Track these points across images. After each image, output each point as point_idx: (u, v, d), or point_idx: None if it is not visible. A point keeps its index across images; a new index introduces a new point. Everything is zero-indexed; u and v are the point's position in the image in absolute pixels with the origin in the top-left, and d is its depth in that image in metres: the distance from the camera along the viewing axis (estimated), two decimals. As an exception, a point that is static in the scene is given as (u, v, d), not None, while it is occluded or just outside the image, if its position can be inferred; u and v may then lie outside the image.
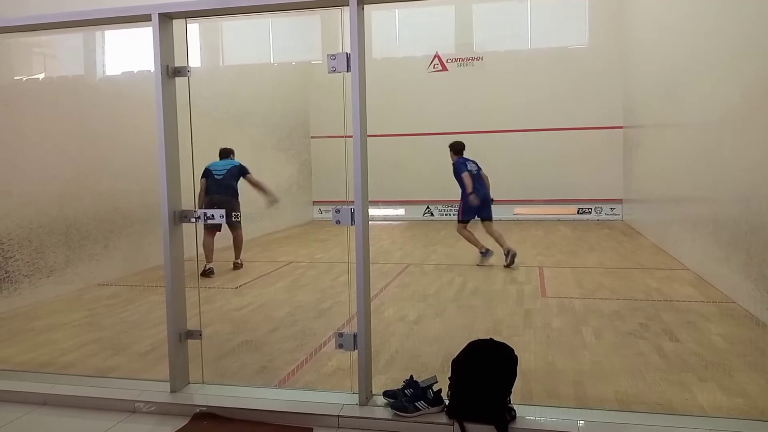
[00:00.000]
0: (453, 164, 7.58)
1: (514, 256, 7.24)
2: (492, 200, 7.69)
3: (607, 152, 12.10)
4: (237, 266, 7.38)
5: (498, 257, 7.36)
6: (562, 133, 12.33)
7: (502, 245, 7.37)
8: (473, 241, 7.57)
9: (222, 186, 7.09)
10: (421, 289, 6.16)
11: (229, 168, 7.21)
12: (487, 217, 7.51)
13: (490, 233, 7.48)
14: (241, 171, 7.26)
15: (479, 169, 7.66)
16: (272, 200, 7.43)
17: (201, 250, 6.91)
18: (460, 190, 7.52)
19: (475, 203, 7.37)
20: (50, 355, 4.20)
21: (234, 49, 10.41)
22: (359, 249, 3.00)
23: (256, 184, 7.31)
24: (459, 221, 7.62)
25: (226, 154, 7.48)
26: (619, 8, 11.76)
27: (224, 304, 5.65)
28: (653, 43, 9.10)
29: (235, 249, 7.42)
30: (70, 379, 3.58)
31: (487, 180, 7.72)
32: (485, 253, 7.45)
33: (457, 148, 7.66)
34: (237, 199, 7.26)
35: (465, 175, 7.39)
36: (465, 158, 7.63)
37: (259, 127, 10.85)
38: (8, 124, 5.68)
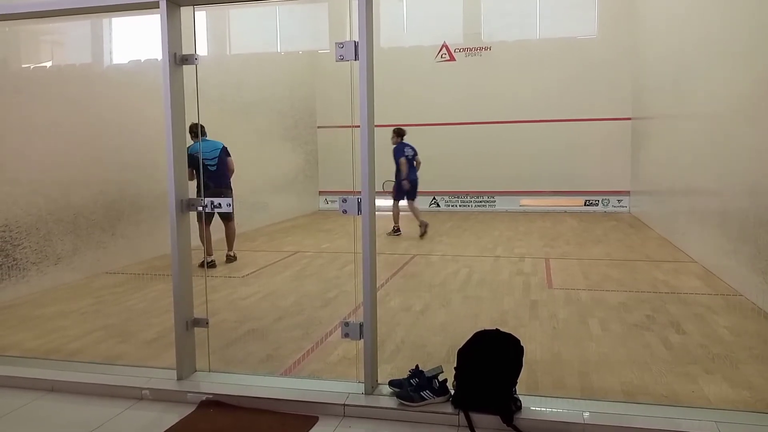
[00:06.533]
0: (393, 148, 8.77)
1: (425, 226, 8.83)
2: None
3: (615, 144, 12.01)
4: (230, 259, 7.08)
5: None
6: (569, 124, 12.25)
7: (418, 218, 8.88)
8: (396, 218, 9.00)
9: (218, 177, 6.73)
10: (426, 280, 6.16)
11: (218, 156, 6.78)
12: (412, 198, 8.97)
13: (412, 210, 8.97)
14: (226, 153, 6.89)
15: (415, 154, 8.91)
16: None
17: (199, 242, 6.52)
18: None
19: (406, 188, 8.81)
20: (58, 341, 4.24)
21: (241, 37, 10.37)
22: (366, 239, 2.99)
23: (232, 171, 6.95)
24: (394, 199, 9.02)
25: (203, 131, 6.33)
26: (628, -2, 11.64)
27: (231, 292, 5.67)
28: (663, 33, 9.02)
29: (227, 241, 7.11)
30: (78, 366, 3.60)
31: (419, 165, 9.04)
32: (398, 231, 8.99)
33: (399, 133, 8.86)
34: (231, 187, 6.92)
35: (402, 161, 8.74)
36: (404, 143, 8.85)
37: (266, 116, 10.82)
38: (16, 113, 5.69)
